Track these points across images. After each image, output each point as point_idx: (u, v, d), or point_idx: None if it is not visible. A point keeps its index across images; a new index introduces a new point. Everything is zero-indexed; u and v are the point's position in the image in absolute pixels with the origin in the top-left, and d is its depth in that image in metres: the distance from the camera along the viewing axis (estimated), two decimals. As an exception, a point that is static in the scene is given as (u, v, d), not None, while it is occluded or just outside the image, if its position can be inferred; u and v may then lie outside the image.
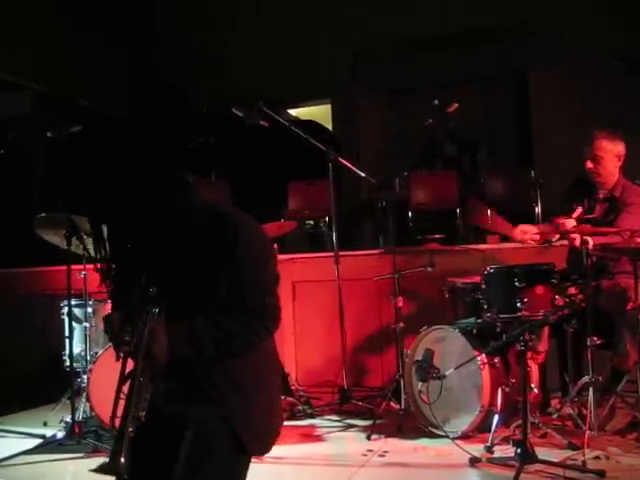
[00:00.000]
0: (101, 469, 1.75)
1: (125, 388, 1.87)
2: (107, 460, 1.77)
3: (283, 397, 4.85)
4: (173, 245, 2.00)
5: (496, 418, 3.86)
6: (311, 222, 7.96)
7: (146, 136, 2.03)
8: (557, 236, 4.38)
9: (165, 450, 2.00)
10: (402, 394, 4.48)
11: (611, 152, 4.34)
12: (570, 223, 4.06)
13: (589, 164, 4.35)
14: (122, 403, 1.87)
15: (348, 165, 5.07)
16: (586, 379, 3.84)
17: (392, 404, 4.60)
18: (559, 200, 4.61)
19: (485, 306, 4.10)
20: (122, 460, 1.75)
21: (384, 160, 8.17)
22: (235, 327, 1.93)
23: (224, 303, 1.95)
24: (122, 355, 1.91)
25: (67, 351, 4.62)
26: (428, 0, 8.18)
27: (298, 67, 8.68)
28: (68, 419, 4.31)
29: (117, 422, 1.82)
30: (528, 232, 4.32)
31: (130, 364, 1.90)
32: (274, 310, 2.03)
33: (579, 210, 4.15)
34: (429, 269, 4.81)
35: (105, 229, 1.94)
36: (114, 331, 1.92)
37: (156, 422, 1.98)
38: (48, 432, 4.47)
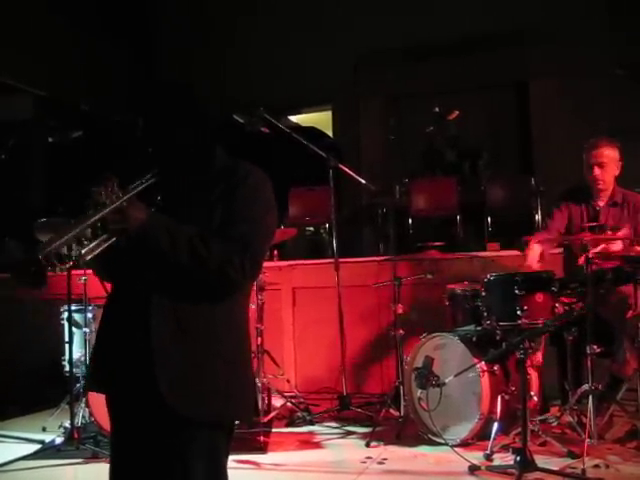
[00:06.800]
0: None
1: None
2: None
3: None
4: (185, 181, 2.07)
5: (495, 426, 3.85)
6: (311, 228, 7.96)
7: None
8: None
9: (157, 433, 1.95)
10: (401, 401, 4.47)
11: (613, 160, 4.35)
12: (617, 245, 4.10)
13: (597, 170, 4.31)
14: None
15: (349, 171, 5.08)
16: (586, 387, 3.84)
17: (391, 411, 4.59)
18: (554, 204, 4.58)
19: (485, 313, 4.10)
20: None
21: (385, 167, 8.18)
22: (215, 246, 1.92)
23: (215, 228, 1.96)
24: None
25: (67, 356, 4.61)
26: (429, 8, 8.21)
27: (299, 73, 8.69)
28: (67, 424, 4.30)
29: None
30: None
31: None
32: (256, 255, 2.00)
33: (627, 226, 4.20)
34: (429, 276, 4.81)
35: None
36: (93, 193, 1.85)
37: (141, 402, 1.96)
38: (47, 437, 4.47)
